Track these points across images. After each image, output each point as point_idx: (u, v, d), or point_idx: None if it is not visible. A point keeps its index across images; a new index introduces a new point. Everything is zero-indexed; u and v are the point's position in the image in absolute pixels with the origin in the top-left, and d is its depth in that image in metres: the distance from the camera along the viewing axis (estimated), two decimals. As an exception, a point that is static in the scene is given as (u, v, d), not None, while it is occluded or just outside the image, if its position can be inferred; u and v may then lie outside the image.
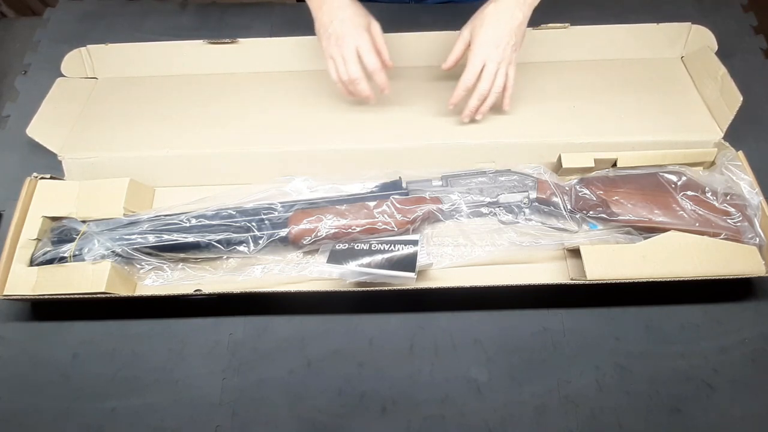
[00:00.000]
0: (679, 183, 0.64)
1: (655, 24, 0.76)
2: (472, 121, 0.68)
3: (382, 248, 0.60)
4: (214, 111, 0.74)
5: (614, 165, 0.67)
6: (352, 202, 0.64)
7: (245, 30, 0.88)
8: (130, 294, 0.62)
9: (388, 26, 0.74)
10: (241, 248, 0.61)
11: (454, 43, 0.66)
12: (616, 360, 0.60)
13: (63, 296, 0.59)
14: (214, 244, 0.61)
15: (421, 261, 0.59)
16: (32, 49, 0.88)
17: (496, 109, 0.68)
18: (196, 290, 0.61)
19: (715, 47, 0.73)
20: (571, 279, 0.62)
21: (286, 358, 0.61)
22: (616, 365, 0.60)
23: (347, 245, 0.61)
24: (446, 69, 0.67)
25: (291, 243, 0.62)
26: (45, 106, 0.70)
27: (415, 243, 0.60)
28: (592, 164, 0.67)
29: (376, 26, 0.65)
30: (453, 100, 0.66)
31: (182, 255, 0.63)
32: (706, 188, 0.63)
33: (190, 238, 0.61)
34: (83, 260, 0.60)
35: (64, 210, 0.64)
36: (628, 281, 0.57)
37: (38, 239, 0.63)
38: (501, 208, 0.65)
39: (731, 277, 0.57)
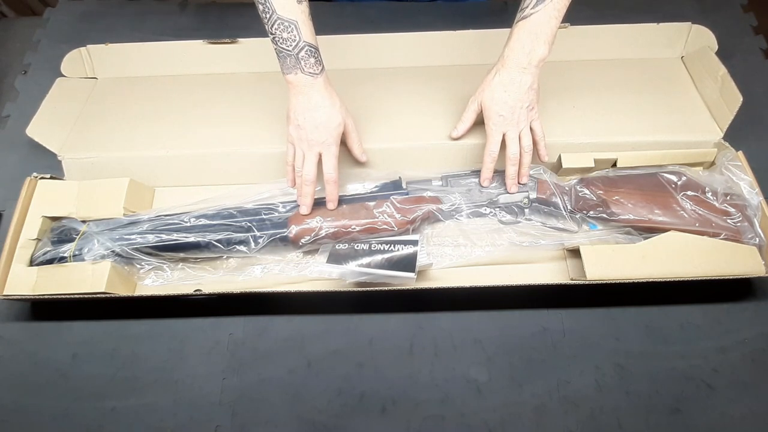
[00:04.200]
0: (679, 183, 0.64)
1: (655, 24, 0.76)
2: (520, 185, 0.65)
3: (382, 248, 0.60)
4: (214, 111, 0.74)
5: (614, 165, 0.67)
6: (352, 202, 0.64)
7: (245, 30, 0.87)
8: (129, 294, 0.62)
9: (388, 26, 0.75)
10: (241, 248, 0.61)
11: (463, 114, 0.65)
12: (616, 360, 0.60)
13: (63, 296, 0.59)
14: (214, 243, 0.61)
15: (421, 261, 0.59)
16: (32, 49, 0.88)
17: (536, 160, 0.66)
18: (196, 290, 0.61)
19: (715, 47, 0.73)
20: (571, 279, 0.62)
21: (286, 358, 0.61)
22: (616, 365, 0.60)
23: (347, 245, 0.62)
24: (454, 138, 0.66)
25: (291, 243, 0.62)
26: (45, 106, 0.70)
27: (415, 243, 0.60)
28: (592, 164, 0.67)
29: (350, 124, 0.62)
30: (485, 175, 0.64)
31: (182, 255, 0.63)
32: (706, 188, 0.63)
33: (190, 238, 0.61)
34: (83, 260, 0.60)
35: (64, 210, 0.64)
36: (628, 281, 0.57)
37: (38, 239, 0.63)
38: (501, 208, 0.65)
39: (731, 277, 0.57)
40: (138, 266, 0.63)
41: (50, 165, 0.69)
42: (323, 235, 0.61)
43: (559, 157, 0.67)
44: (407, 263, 0.58)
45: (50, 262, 0.61)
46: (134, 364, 0.61)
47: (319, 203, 0.64)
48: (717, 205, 0.62)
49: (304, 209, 0.63)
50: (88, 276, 0.59)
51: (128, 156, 0.70)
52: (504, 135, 0.61)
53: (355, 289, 0.61)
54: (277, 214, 0.63)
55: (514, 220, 0.65)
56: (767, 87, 0.79)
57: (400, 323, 0.63)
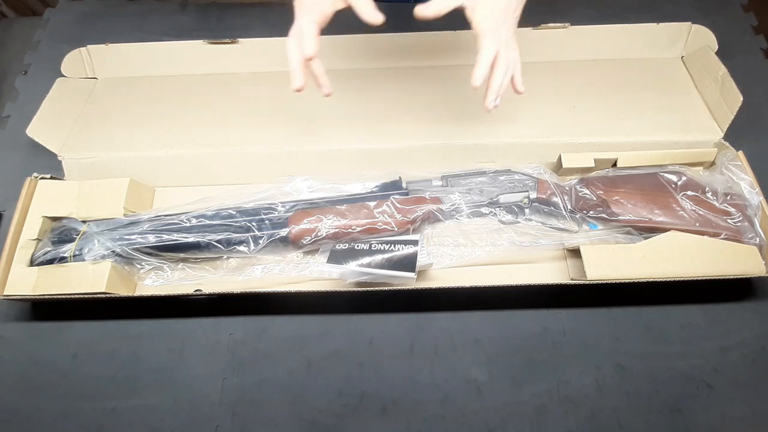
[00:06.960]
0: (679, 183, 0.63)
1: (655, 24, 0.76)
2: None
3: (382, 248, 0.60)
4: (214, 111, 0.74)
5: (614, 165, 0.67)
6: (352, 202, 0.64)
7: (245, 30, 0.88)
8: (130, 294, 0.62)
9: (389, 26, 0.73)
10: (241, 248, 0.61)
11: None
12: (616, 360, 0.60)
13: (63, 296, 0.59)
14: (214, 244, 0.61)
15: (421, 261, 0.59)
16: (32, 49, 0.87)
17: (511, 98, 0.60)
18: (196, 290, 0.61)
19: (715, 47, 0.73)
20: (571, 279, 0.62)
21: (286, 358, 0.61)
22: (616, 365, 0.60)
23: (347, 245, 0.61)
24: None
25: (291, 243, 0.62)
26: (45, 106, 0.70)
27: (415, 243, 0.60)
28: (592, 164, 0.67)
29: None
30: (480, 72, 0.53)
31: (182, 255, 0.63)
32: (706, 188, 0.63)
33: (191, 238, 0.61)
34: (83, 260, 0.60)
35: (64, 210, 0.64)
36: (628, 281, 0.57)
37: (38, 239, 0.63)
38: (501, 208, 0.65)
39: (731, 277, 0.57)
40: (138, 266, 0.63)
41: (50, 165, 0.69)
42: (323, 235, 0.61)
43: (559, 157, 0.67)
44: (407, 263, 0.58)
45: (50, 262, 0.61)
46: (134, 364, 0.61)
47: (318, 205, 0.64)
48: (717, 205, 0.62)
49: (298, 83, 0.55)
50: (88, 276, 0.59)
51: (128, 156, 0.70)
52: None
53: (355, 289, 0.61)
54: (276, 214, 0.63)
55: (514, 220, 0.65)
56: (767, 87, 0.79)
57: (400, 323, 0.63)
